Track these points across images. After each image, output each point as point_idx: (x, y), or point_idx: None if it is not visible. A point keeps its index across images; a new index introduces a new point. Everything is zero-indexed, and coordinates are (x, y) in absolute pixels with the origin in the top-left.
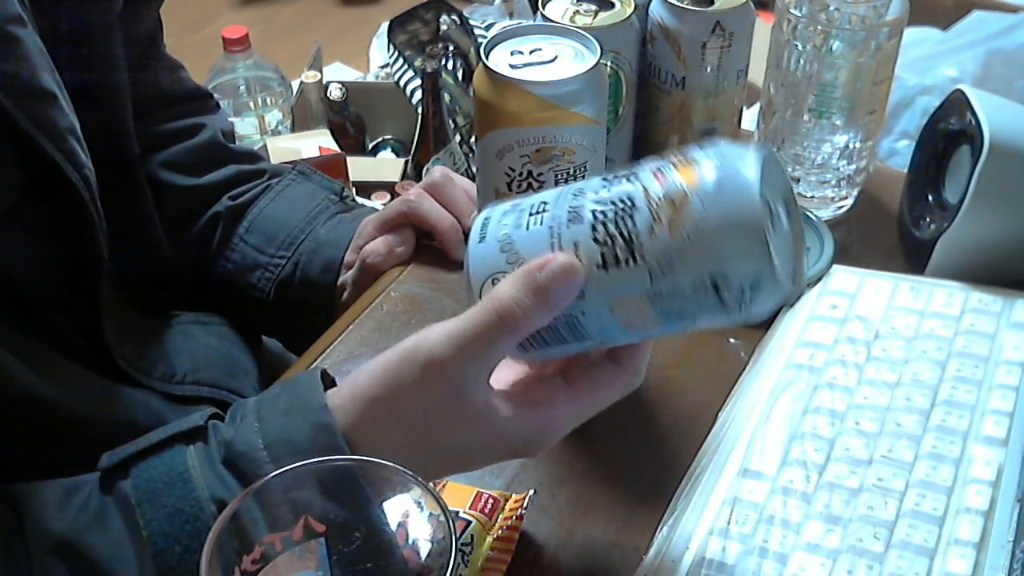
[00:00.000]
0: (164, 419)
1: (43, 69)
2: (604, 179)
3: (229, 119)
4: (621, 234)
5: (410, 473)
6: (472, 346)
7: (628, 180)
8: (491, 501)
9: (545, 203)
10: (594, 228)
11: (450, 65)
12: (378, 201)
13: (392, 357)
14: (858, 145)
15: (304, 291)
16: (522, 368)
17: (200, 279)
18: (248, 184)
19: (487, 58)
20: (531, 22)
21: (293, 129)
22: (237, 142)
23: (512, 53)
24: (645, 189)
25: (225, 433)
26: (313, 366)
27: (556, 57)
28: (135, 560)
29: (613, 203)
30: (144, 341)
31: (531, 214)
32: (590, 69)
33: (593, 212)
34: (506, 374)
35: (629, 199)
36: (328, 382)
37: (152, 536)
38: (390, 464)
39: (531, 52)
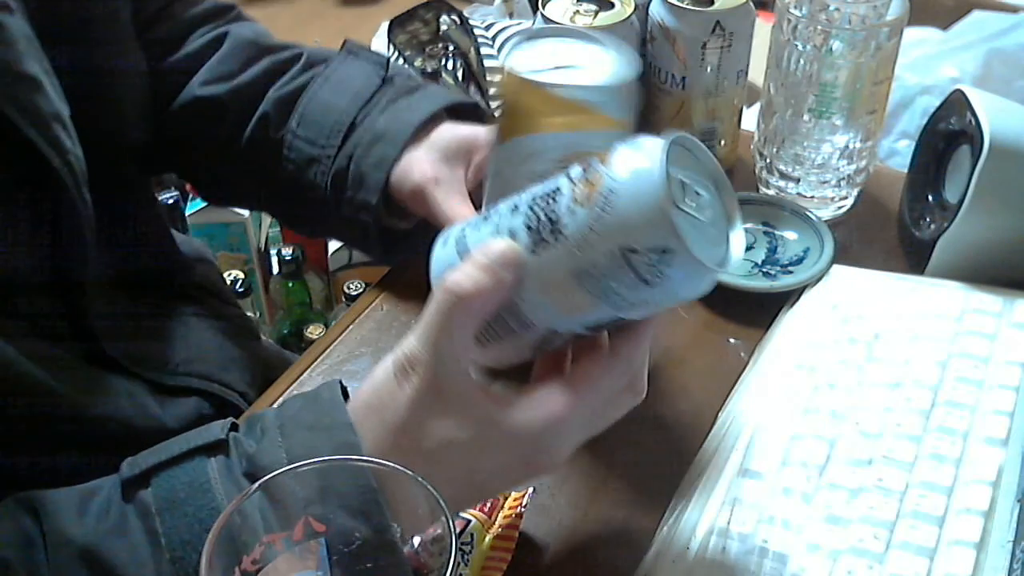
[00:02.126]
0: (149, 410)
1: (28, 55)
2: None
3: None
4: (547, 215)
5: (409, 472)
6: (432, 330)
7: (561, 174)
8: (491, 500)
9: (498, 206)
10: (527, 216)
11: (450, 65)
12: None
13: (377, 370)
14: (858, 145)
15: (357, 190)
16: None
17: (272, 197)
18: (289, 74)
19: (513, 62)
20: (531, 22)
21: None
22: None
23: (539, 57)
24: (569, 175)
25: (247, 447)
26: (313, 366)
27: (583, 62)
28: (152, 567)
29: (544, 192)
30: (139, 330)
31: (485, 218)
32: (620, 73)
33: (528, 203)
34: None
35: (556, 187)
36: (344, 394)
37: (171, 544)
38: (390, 464)
39: (558, 56)
